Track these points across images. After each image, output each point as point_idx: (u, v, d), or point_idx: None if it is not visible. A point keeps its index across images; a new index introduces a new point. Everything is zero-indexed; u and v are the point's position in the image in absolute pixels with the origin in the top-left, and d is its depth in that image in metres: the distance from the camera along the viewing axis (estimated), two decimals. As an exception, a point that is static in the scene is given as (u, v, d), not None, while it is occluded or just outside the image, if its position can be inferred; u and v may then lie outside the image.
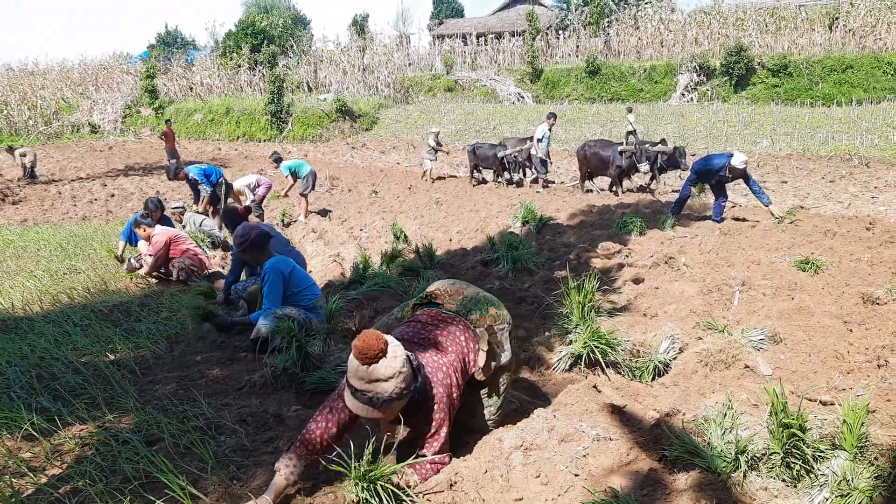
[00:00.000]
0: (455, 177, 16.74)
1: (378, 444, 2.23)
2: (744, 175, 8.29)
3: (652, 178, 12.47)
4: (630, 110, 16.78)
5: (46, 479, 2.56)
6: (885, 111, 20.76)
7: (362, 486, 2.14)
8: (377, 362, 2.10)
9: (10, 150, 19.13)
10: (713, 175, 8.52)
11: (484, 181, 15.16)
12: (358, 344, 2.11)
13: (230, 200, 10.76)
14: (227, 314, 4.96)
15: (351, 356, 2.14)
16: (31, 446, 2.86)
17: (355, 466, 2.15)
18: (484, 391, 2.75)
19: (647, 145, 11.76)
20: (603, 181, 13.42)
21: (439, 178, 16.33)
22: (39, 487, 2.49)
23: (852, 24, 27.27)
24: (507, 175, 14.36)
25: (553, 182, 14.41)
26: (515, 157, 13.91)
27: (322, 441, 2.29)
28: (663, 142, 11.95)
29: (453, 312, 2.70)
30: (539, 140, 13.18)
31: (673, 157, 11.62)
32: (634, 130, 15.17)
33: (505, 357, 2.73)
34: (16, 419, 2.99)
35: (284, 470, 2.23)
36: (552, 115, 13.53)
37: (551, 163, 13.86)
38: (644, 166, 11.67)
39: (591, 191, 12.88)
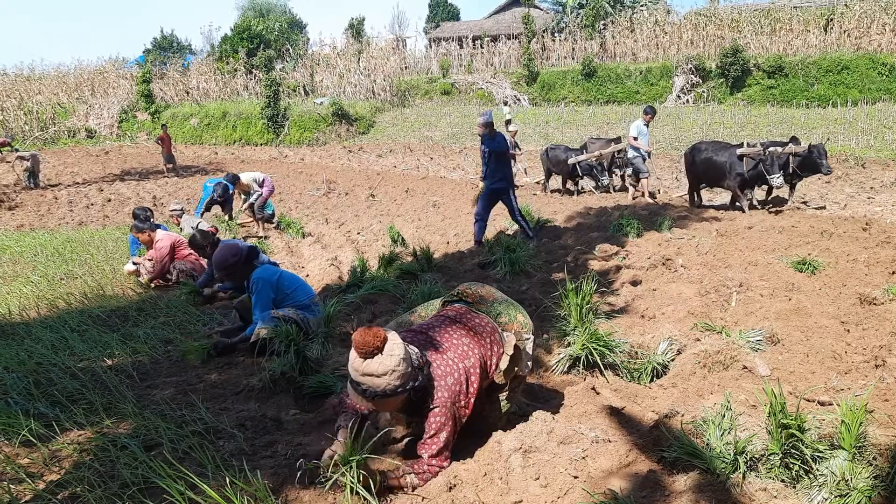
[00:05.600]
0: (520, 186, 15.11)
1: (375, 436, 2.26)
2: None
3: (769, 190, 9.96)
4: (506, 103, 16.09)
5: (45, 486, 2.55)
6: (880, 112, 20.83)
7: (345, 470, 2.24)
8: (372, 358, 2.16)
9: (14, 149, 18.57)
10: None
11: (559, 191, 13.40)
12: (357, 337, 2.18)
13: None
14: (224, 332, 4.86)
15: (353, 347, 2.21)
16: (28, 452, 2.85)
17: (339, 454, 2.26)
18: (504, 396, 2.75)
19: (774, 147, 9.25)
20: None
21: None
22: (38, 493, 2.48)
23: (847, 25, 27.35)
24: (582, 183, 12.43)
25: (655, 196, 11.66)
26: (592, 162, 12.07)
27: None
28: (794, 140, 9.39)
29: (483, 313, 2.73)
30: (635, 139, 11.00)
31: (809, 158, 9.16)
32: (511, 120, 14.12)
33: (527, 367, 2.75)
34: (13, 425, 2.98)
35: (344, 421, 2.50)
36: (650, 110, 11.16)
37: (647, 173, 11.31)
38: (777, 179, 9.01)
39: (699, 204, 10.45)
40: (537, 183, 14.72)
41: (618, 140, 12.27)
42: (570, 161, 12.22)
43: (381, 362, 2.16)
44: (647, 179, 11.30)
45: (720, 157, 9.63)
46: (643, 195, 11.28)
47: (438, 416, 2.35)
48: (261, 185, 10.55)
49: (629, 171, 11.80)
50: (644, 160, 11.12)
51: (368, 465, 2.40)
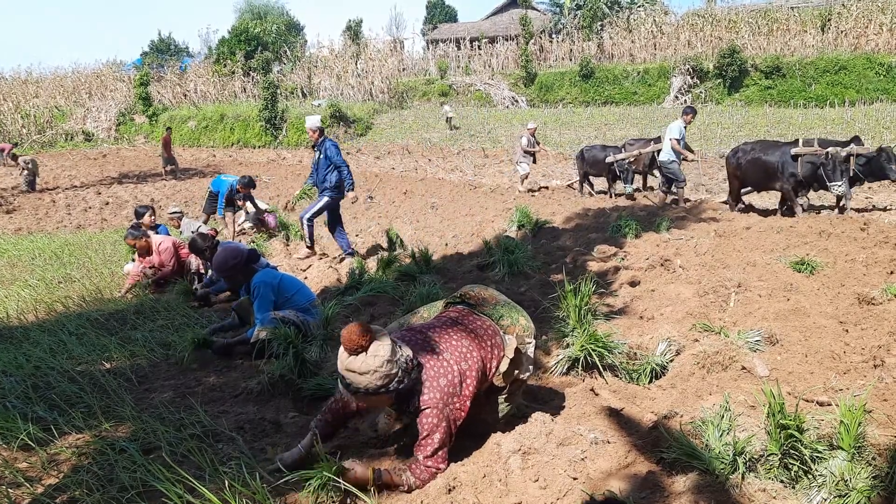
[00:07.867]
0: (546, 188, 14.55)
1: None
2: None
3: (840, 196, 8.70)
4: (443, 103, 16.40)
5: (43, 489, 2.55)
6: (877, 112, 20.88)
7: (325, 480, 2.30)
8: (356, 356, 2.20)
9: (15, 158, 18.98)
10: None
11: (593, 193, 13.00)
12: (344, 333, 2.22)
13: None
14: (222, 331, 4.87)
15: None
16: (27, 456, 2.85)
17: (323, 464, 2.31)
18: (503, 398, 2.75)
19: (834, 148, 8.19)
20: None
21: (531, 190, 14.08)
22: (36, 497, 2.47)
23: (844, 25, 27.42)
24: (619, 185, 11.91)
25: (689, 200, 10.75)
26: (630, 163, 11.59)
27: (343, 412, 2.72)
28: (856, 140, 8.44)
29: (485, 315, 2.73)
30: (677, 140, 10.02)
31: (877, 161, 8.17)
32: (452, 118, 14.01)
33: (528, 371, 2.75)
34: (12, 429, 2.97)
35: (314, 424, 2.71)
36: (690, 110, 10.24)
37: (684, 181, 10.44)
38: (840, 187, 8.08)
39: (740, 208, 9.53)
40: (569, 186, 14.37)
41: (657, 140, 11.67)
42: (609, 160, 11.80)
43: (363, 361, 2.19)
44: (683, 188, 10.46)
45: (770, 156, 8.75)
46: (679, 201, 10.34)
47: (430, 416, 2.35)
48: (263, 213, 10.40)
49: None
50: (679, 165, 10.26)
51: (366, 464, 2.40)
